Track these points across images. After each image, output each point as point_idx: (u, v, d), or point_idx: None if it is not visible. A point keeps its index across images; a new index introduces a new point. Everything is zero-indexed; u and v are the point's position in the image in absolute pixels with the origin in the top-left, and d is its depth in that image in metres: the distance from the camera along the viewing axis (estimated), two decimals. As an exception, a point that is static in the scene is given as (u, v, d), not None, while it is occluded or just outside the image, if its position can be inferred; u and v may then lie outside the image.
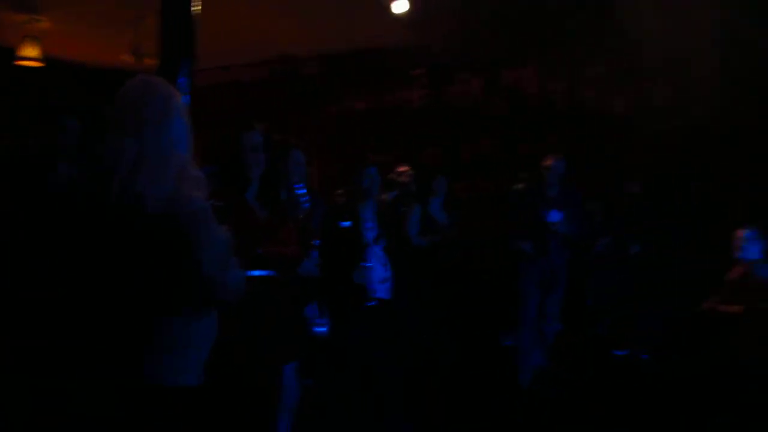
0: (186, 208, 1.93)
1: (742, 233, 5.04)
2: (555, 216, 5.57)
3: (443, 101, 8.12)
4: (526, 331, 5.89)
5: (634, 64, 6.94)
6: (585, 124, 7.30)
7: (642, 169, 6.74)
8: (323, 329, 3.84)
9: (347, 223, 4.55)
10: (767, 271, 4.88)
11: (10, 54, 6.85)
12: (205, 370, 2.03)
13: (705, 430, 4.30)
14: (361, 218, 4.60)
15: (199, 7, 4.06)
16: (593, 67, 7.33)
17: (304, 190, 3.11)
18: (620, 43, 6.51)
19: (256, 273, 2.95)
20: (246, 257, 2.03)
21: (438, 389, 5.75)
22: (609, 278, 6.67)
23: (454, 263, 6.87)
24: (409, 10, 6.63)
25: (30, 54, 6.87)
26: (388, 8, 6.63)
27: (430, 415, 5.17)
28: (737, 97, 6.22)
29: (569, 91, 7.53)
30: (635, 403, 5.23)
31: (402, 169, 6.21)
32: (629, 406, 5.18)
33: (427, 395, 5.52)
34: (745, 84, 6.28)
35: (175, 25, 3.96)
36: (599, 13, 6.58)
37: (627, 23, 6.02)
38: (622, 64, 7.05)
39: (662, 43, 6.08)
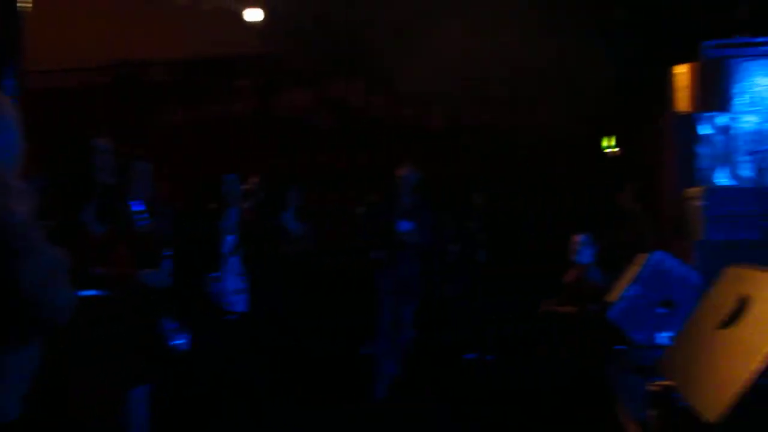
0: (3, 222, 1.76)
1: (577, 238, 5.44)
2: (406, 226, 5.71)
3: (271, 112, 8.23)
4: (381, 339, 5.98)
5: (449, 83, 7.48)
6: (405, 137, 7.76)
7: (467, 180, 7.20)
8: (182, 341, 3.64)
9: (206, 231, 4.38)
10: (598, 274, 5.30)
11: None
12: (26, 402, 1.85)
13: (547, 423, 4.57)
14: (221, 227, 4.44)
15: (30, 4, 3.75)
16: (412, 84, 7.80)
17: (143, 207, 2.96)
18: (437, 63, 7.00)
19: (89, 293, 2.75)
20: (77, 276, 1.87)
21: (295, 399, 5.68)
22: (458, 285, 6.96)
23: (308, 273, 6.85)
24: (263, 19, 6.60)
25: None
26: (241, 16, 6.55)
27: (287, 424, 5.10)
28: (556, 112, 6.81)
29: (391, 106, 7.96)
30: (485, 403, 5.46)
31: (252, 179, 6.11)
32: (479, 406, 5.40)
33: (283, 405, 5.44)
34: (566, 101, 6.88)
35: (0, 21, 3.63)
36: (418, 34, 6.99)
37: (444, 44, 6.47)
38: (437, 82, 7.57)
39: (478, 64, 6.57)
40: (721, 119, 5.79)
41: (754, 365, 1.69)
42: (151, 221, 2.99)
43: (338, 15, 6.97)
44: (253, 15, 6.80)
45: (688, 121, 5.80)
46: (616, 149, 7.60)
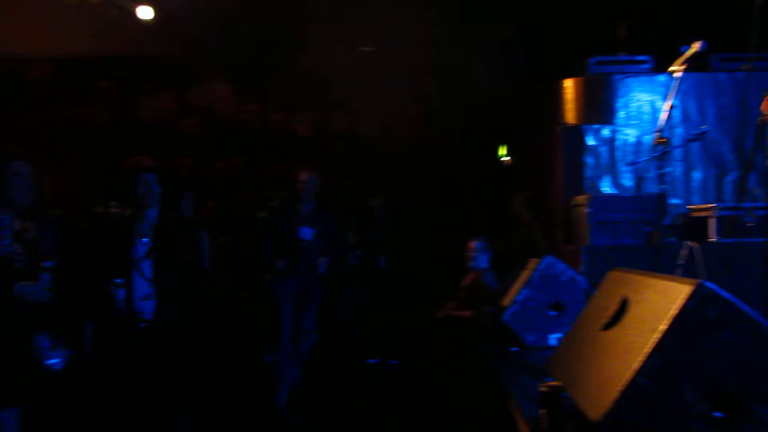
0: None
1: (473, 244, 5.59)
2: (306, 233, 5.66)
3: (136, 115, 7.99)
4: (282, 346, 5.91)
5: (319, 92, 7.62)
6: (273, 144, 7.82)
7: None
8: (57, 360, 3.41)
9: (115, 235, 4.14)
10: (493, 278, 5.47)
11: None
12: None
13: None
14: (134, 231, 4.19)
15: None
16: (282, 92, 7.89)
17: (6, 222, 2.75)
18: (308, 73, 7.13)
19: None
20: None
21: (199, 407, 5.51)
22: (360, 290, 7.00)
23: (209, 280, 6.69)
24: (154, 17, 6.42)
25: None
26: (134, 14, 6.33)
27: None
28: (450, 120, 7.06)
29: (260, 113, 7.99)
30: (386, 406, 5.52)
31: None
32: (381, 410, 5.45)
33: (188, 414, 5.26)
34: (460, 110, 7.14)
35: None
36: (292, 44, 7.05)
37: (316, 56, 6.61)
38: (307, 91, 7.69)
39: (346, 76, 6.75)
40: (605, 131, 6.17)
41: (634, 365, 1.80)
42: (32, 229, 2.79)
43: (213, 20, 6.84)
44: (145, 13, 6.59)
45: (576, 133, 6.15)
46: (510, 157, 7.90)
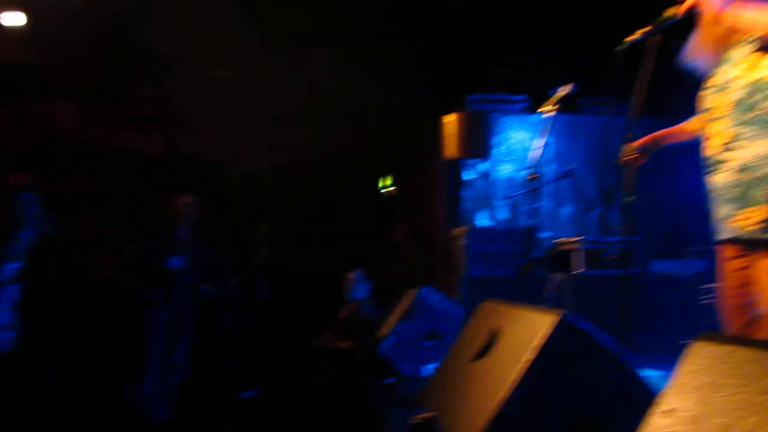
0: None
1: (352, 275, 5.58)
2: (177, 262, 5.42)
3: None
4: (150, 381, 5.59)
5: (166, 111, 7.47)
6: (118, 163, 7.54)
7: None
8: None
9: None
10: (372, 309, 5.47)
11: None
12: None
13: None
14: (4, 253, 3.82)
15: None
16: (127, 108, 7.66)
17: None
18: (155, 90, 7.00)
19: None
20: None
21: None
22: (237, 320, 6.78)
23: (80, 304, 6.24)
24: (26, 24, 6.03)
25: None
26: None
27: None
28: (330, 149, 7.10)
29: (104, 130, 7.69)
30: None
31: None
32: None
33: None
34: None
35: None
36: (147, 65, 6.90)
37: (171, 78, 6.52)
38: (152, 109, 7.52)
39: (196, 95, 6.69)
40: (482, 166, 6.41)
41: (502, 394, 1.83)
42: None
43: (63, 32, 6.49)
44: (14, 19, 6.20)
45: (454, 167, 6.34)
46: (393, 189, 8.01)
